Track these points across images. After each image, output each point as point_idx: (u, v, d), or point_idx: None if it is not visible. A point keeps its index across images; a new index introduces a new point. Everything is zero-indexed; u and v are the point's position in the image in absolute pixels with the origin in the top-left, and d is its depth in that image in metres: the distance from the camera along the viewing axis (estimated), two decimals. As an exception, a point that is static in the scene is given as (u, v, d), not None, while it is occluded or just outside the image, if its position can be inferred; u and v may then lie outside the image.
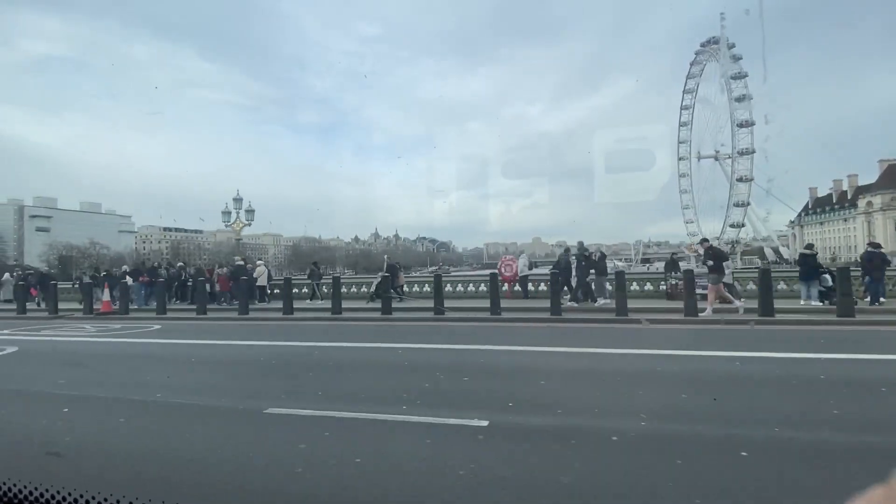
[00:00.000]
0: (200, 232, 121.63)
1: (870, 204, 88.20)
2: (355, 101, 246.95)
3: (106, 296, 13.79)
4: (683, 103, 67.42)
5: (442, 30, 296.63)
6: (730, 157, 59.23)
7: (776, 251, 64.62)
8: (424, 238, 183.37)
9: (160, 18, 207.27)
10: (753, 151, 52.90)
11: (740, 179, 55.40)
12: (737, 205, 57.73)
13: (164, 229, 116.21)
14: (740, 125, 53.82)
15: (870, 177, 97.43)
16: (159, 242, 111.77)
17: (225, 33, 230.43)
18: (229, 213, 21.22)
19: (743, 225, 63.62)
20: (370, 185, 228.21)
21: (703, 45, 63.13)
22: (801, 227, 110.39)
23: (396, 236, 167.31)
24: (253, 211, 21.43)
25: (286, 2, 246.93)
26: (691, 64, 65.97)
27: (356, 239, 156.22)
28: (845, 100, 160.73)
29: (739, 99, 53.84)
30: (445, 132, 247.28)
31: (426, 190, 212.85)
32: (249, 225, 21.26)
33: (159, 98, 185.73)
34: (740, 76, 53.85)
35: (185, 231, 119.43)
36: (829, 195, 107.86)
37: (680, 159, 68.65)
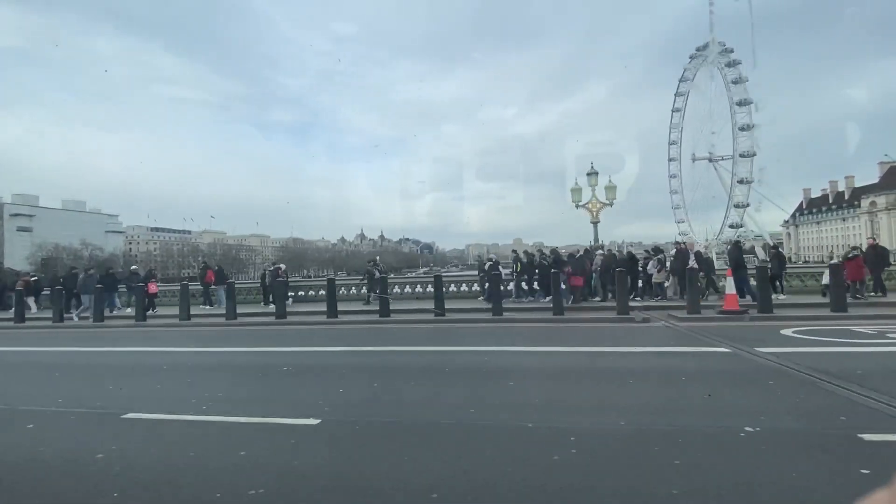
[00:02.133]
0: (189, 232, 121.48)
1: (873, 204, 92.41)
2: (330, 101, 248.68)
3: (731, 288, 10.89)
4: (675, 105, 70.14)
5: (418, 31, 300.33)
6: (724, 159, 61.98)
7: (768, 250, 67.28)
8: (408, 239, 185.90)
9: (124, 12, 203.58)
10: (754, 154, 55.50)
11: (741, 181, 57.96)
12: (737, 206, 60.33)
13: (152, 229, 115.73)
14: (741, 128, 56.44)
15: (856, 178, 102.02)
16: (147, 243, 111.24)
17: (194, 29, 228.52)
18: (579, 190, 17.01)
19: (742, 226, 66.05)
20: (346, 187, 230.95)
21: (698, 49, 65.72)
22: (797, 226, 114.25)
23: (382, 237, 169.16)
24: (614, 187, 16.97)
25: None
26: (685, 67, 68.74)
27: (342, 240, 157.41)
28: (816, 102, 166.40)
29: (740, 103, 56.48)
30: (422, 134, 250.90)
31: (405, 192, 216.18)
32: (611, 205, 17.01)
33: (121, 92, 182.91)
34: (740, 81, 56.50)
35: (174, 231, 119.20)
36: (825, 196, 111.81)
37: (670, 160, 71.29)
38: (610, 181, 16.80)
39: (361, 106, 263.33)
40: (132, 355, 9.12)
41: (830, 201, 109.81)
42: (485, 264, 15.78)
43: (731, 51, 58.34)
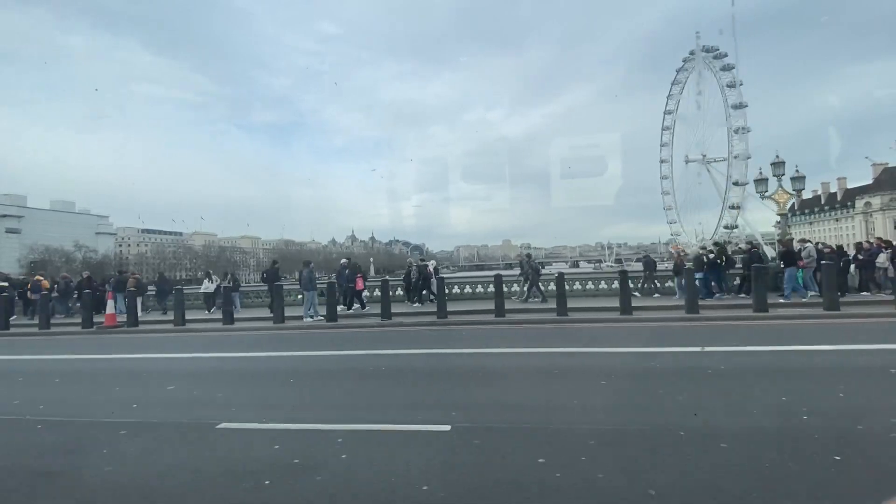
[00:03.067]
0: (180, 234, 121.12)
1: (868, 204, 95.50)
2: (314, 101, 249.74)
3: None
4: (667, 108, 71.99)
5: (404, 33, 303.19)
6: (719, 160, 63.97)
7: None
8: (398, 241, 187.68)
9: (102, 10, 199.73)
10: (749, 157, 57.27)
11: (736, 183, 59.69)
12: (732, 207, 62.04)
13: (143, 231, 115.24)
14: (737, 131, 58.25)
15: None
16: (138, 245, 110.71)
17: (174, 27, 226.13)
18: (764, 180, 16.29)
19: (736, 226, 67.70)
20: (332, 188, 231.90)
21: (691, 53, 67.48)
22: (789, 227, 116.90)
23: (373, 239, 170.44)
24: (802, 178, 16.17)
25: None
26: (677, 70, 70.51)
27: (333, 241, 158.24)
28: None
29: (736, 106, 58.27)
30: (407, 135, 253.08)
31: (392, 193, 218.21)
32: (797, 197, 16.04)
33: (99, 92, 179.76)
34: (734, 84, 58.36)
35: (164, 233, 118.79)
36: (817, 197, 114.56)
37: (662, 161, 73.07)
38: (797, 171, 15.64)
39: (347, 106, 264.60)
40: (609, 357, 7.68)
41: (822, 202, 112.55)
42: (704, 256, 14.07)
43: (725, 55, 60.10)
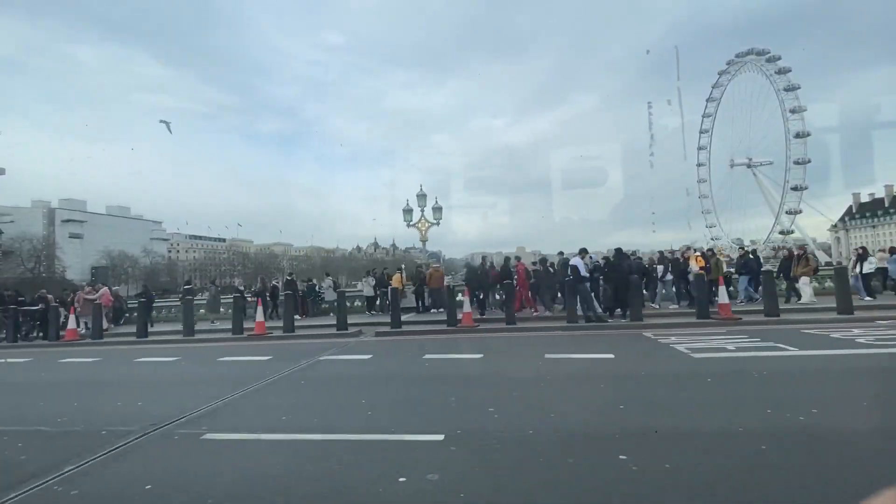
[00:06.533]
0: (223, 240, 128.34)
1: None
2: (319, 110, 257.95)
3: None
4: (706, 111, 73.01)
5: (409, 42, 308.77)
6: (765, 164, 64.70)
7: (812, 255, 69.48)
8: (416, 248, 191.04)
9: (111, 21, 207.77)
10: (809, 160, 58.17)
11: (795, 188, 60.58)
12: (788, 212, 62.83)
13: (191, 237, 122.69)
14: (797, 135, 59.19)
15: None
16: (187, 251, 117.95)
17: (182, 39, 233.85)
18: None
19: (792, 231, 68.26)
20: (338, 197, 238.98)
21: (738, 56, 68.51)
22: (847, 231, 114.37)
23: (394, 246, 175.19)
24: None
25: (247, 7, 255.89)
26: (720, 73, 71.49)
27: (358, 248, 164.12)
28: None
29: (794, 111, 59.32)
30: (412, 143, 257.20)
31: (399, 202, 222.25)
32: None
33: (107, 102, 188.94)
34: (792, 88, 59.36)
35: (210, 239, 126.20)
36: (879, 199, 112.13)
37: (699, 165, 74.01)
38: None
39: (351, 115, 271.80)
40: None
41: (887, 205, 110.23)
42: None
43: (779, 57, 61.07)
